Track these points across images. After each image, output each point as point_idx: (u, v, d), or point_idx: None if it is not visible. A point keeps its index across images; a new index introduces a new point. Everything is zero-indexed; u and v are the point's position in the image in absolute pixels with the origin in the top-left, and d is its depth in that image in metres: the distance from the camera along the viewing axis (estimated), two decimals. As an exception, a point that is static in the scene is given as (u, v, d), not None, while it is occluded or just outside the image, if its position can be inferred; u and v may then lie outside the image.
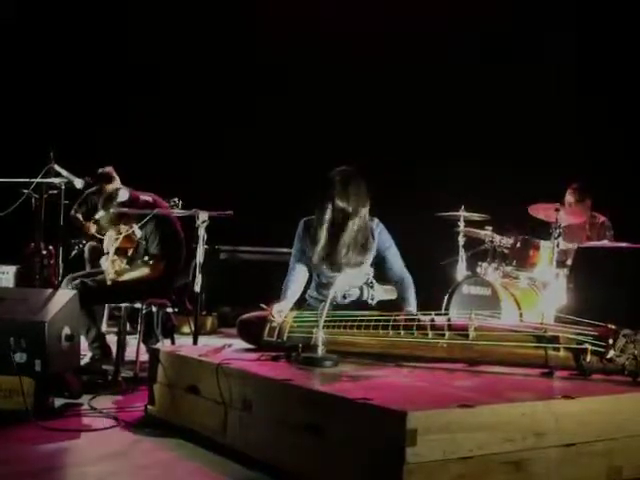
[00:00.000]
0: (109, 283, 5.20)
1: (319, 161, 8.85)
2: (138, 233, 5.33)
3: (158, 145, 9.10)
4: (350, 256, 4.21)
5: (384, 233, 4.41)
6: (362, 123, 8.99)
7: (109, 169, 7.06)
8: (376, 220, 4.39)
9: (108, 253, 5.32)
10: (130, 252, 5.38)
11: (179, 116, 9.28)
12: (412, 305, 4.27)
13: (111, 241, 5.41)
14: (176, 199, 6.30)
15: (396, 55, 8.75)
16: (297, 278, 4.43)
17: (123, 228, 5.32)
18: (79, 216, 7.15)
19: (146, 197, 5.41)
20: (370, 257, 4.31)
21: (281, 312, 4.16)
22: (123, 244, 5.35)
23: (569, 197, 6.75)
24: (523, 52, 8.34)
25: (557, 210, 6.27)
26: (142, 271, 5.28)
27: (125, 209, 5.29)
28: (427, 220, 7.14)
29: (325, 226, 4.21)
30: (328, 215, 4.20)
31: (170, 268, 5.33)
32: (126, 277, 5.26)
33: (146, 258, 5.29)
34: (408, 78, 8.75)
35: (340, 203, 4.18)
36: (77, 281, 5.17)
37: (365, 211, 4.26)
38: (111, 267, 5.23)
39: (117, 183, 7.03)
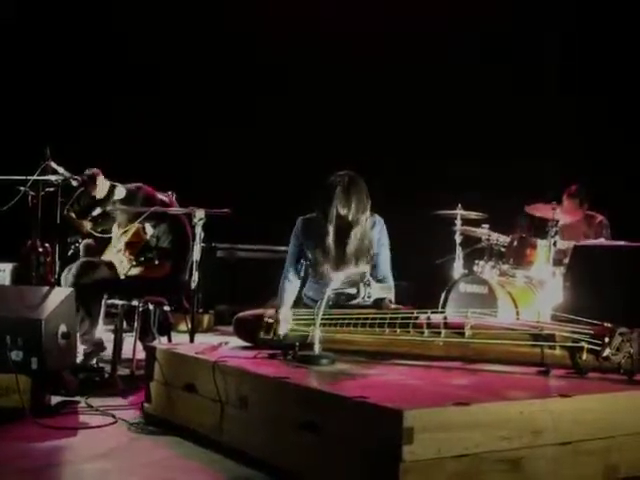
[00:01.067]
0: (122, 277, 5.22)
1: (317, 160, 8.91)
2: (150, 231, 5.37)
3: (156, 143, 9.09)
4: (359, 264, 4.25)
5: (383, 231, 4.47)
6: (361, 122, 8.99)
7: (94, 171, 7.05)
8: (377, 217, 4.44)
9: (119, 250, 5.34)
10: (138, 248, 5.40)
11: (178, 114, 9.28)
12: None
13: (118, 237, 5.43)
14: (170, 192, 6.33)
15: (396, 55, 8.76)
16: (293, 280, 4.51)
17: (135, 225, 5.35)
18: (73, 215, 7.13)
19: (163, 197, 5.46)
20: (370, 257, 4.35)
21: (287, 320, 4.17)
22: (132, 239, 5.38)
23: (566, 202, 6.78)
24: (523, 52, 8.35)
25: (554, 209, 6.29)
26: (156, 269, 5.32)
27: (124, 207, 5.33)
28: (424, 218, 7.15)
29: (331, 237, 4.23)
30: (333, 225, 4.22)
31: (176, 268, 5.35)
32: (134, 272, 5.30)
33: (152, 254, 5.32)
34: (408, 78, 8.76)
35: (342, 211, 4.22)
36: (83, 260, 5.21)
37: (365, 217, 4.29)
38: (127, 262, 5.25)
39: (101, 183, 7.04)
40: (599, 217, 6.92)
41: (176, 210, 5.26)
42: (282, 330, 4.11)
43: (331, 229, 4.25)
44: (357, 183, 4.30)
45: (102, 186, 7.06)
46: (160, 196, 5.49)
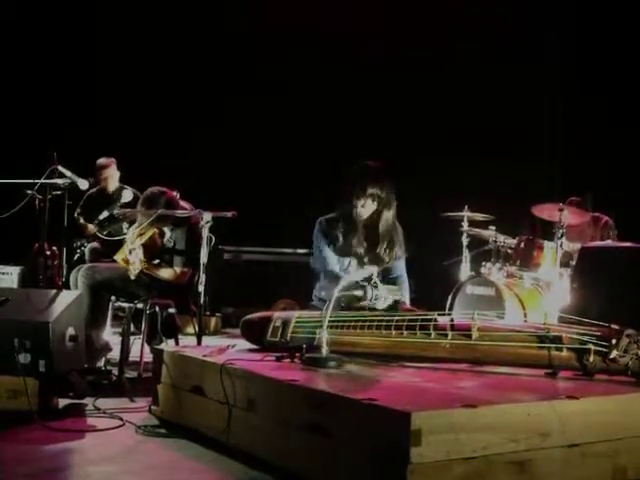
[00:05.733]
0: (133, 278, 5.24)
1: (323, 163, 8.90)
2: (167, 234, 5.41)
3: (159, 144, 9.11)
4: (388, 251, 4.28)
5: None
6: (366, 124, 8.99)
7: (109, 160, 7.10)
8: None
9: (134, 249, 5.35)
10: (151, 252, 5.43)
11: (180, 115, 9.28)
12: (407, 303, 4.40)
13: (134, 237, 5.45)
14: (174, 192, 6.35)
15: (397, 55, 8.76)
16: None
17: (153, 229, 5.39)
18: (81, 218, 7.15)
19: (185, 204, 5.50)
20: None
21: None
22: (147, 242, 5.40)
23: (568, 210, 6.72)
24: (524, 52, 8.35)
25: (560, 210, 6.27)
26: (169, 273, 5.34)
27: (129, 210, 5.35)
28: (431, 220, 7.14)
29: (360, 210, 4.25)
30: (365, 200, 4.26)
31: (193, 274, 5.37)
32: (154, 273, 5.32)
33: (167, 258, 5.35)
34: (412, 78, 8.76)
35: (375, 190, 4.23)
36: (90, 264, 5.27)
37: (393, 205, 4.33)
38: (139, 263, 5.27)
39: (113, 173, 7.08)
40: (605, 218, 6.90)
41: (183, 213, 5.27)
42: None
43: (360, 204, 4.26)
44: (385, 170, 4.36)
45: (114, 177, 7.12)
46: (183, 203, 5.50)
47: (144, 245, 5.36)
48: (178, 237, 5.37)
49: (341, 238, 4.39)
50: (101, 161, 7.15)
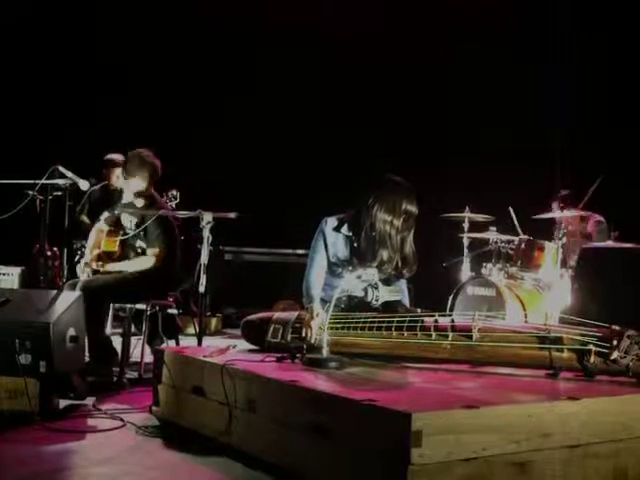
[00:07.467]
0: (86, 277, 5.24)
1: (324, 163, 8.88)
2: (127, 225, 5.44)
3: (162, 145, 9.09)
4: (401, 267, 4.31)
5: None
6: (364, 124, 8.99)
7: (115, 157, 7.09)
8: None
9: (87, 263, 5.36)
10: (117, 252, 5.43)
11: (183, 116, 9.29)
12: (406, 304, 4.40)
13: (92, 240, 5.47)
14: (174, 191, 6.36)
15: (397, 55, 8.76)
16: (321, 278, 4.42)
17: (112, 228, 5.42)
18: (85, 219, 7.14)
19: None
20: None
21: (322, 324, 4.00)
22: (107, 247, 5.40)
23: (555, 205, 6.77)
24: (524, 52, 8.35)
25: (562, 208, 6.29)
26: (149, 259, 5.33)
27: (131, 210, 5.36)
28: (431, 221, 7.14)
29: (385, 233, 4.25)
30: (400, 220, 4.26)
31: (169, 262, 5.34)
32: (126, 268, 5.31)
33: (149, 246, 5.34)
34: (410, 78, 8.76)
35: (412, 208, 4.27)
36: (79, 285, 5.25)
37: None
38: (84, 266, 5.29)
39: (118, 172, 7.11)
40: (595, 217, 6.93)
41: (184, 213, 5.26)
42: (314, 335, 3.98)
43: (393, 220, 4.26)
44: None
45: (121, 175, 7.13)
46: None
47: (107, 252, 5.37)
48: (148, 227, 5.34)
49: (347, 243, 4.37)
50: (113, 156, 7.08)
